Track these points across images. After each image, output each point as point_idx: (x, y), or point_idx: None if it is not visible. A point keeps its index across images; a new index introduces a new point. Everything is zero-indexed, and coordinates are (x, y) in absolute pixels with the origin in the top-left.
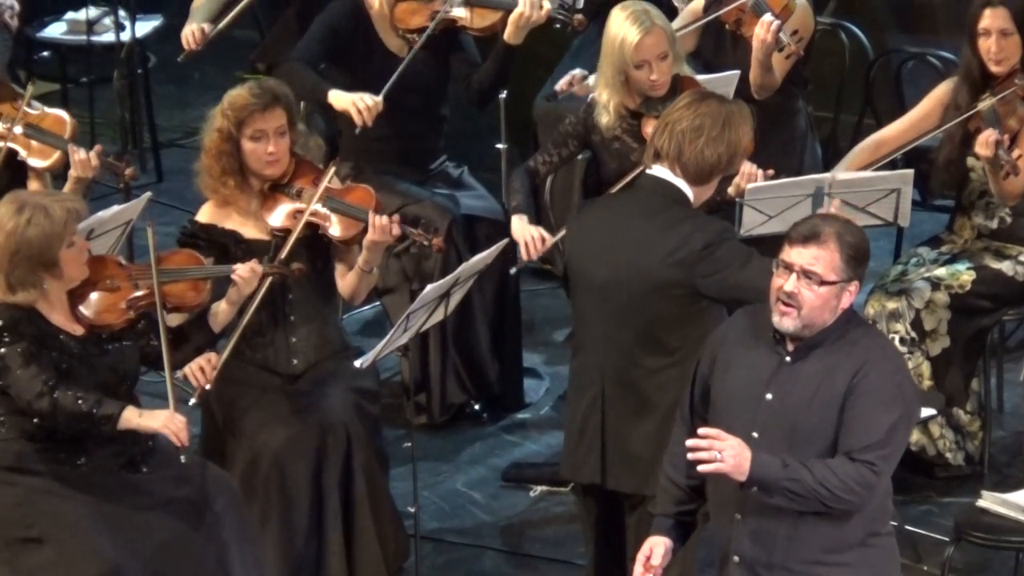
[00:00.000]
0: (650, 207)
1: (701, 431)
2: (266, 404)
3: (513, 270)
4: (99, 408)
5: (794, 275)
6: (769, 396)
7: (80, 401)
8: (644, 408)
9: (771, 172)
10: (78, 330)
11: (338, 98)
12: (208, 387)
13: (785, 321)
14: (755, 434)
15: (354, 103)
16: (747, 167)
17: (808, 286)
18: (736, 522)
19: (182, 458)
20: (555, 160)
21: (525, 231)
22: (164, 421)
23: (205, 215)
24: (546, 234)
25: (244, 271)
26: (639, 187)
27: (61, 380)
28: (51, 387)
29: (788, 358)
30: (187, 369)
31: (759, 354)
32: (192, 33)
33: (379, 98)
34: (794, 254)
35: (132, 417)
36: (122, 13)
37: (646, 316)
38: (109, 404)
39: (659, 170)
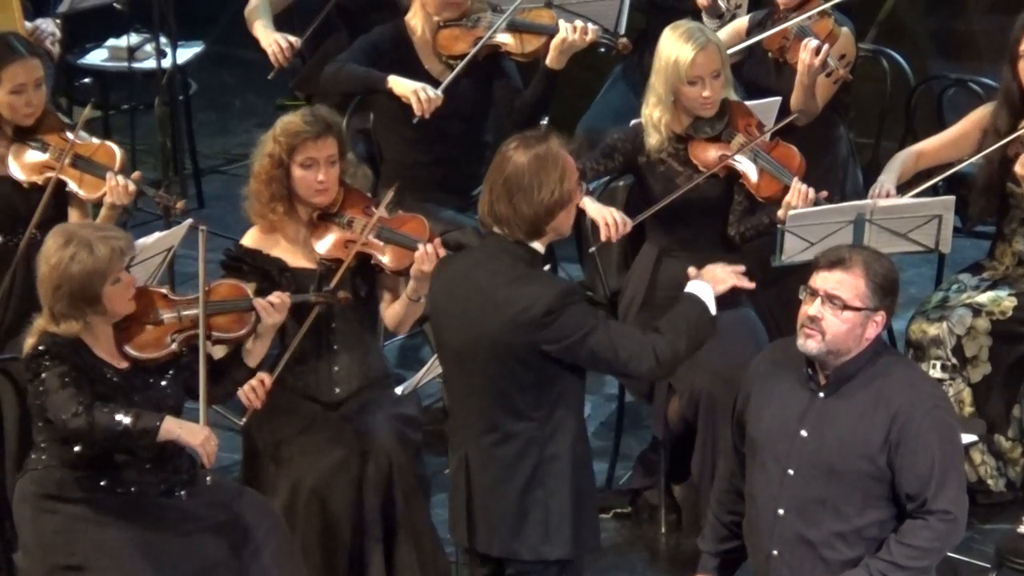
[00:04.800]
0: (497, 267)
1: None
2: (308, 431)
3: (592, 249)
4: (137, 422)
5: (818, 300)
6: (804, 433)
7: (117, 416)
8: (506, 473)
9: (824, 194)
10: (122, 363)
11: (399, 84)
12: (259, 407)
13: (809, 343)
14: (790, 471)
15: (416, 92)
16: (800, 186)
17: (832, 311)
18: (773, 558)
19: (208, 479)
20: (601, 168)
21: (604, 211)
22: (202, 440)
23: (251, 240)
24: (627, 218)
25: (267, 303)
26: (486, 245)
27: (98, 402)
28: (87, 406)
29: (821, 394)
30: (240, 389)
31: (791, 389)
32: (280, 48)
33: (440, 92)
34: (819, 279)
35: (172, 428)
36: (163, 40)
37: (500, 381)
38: (147, 417)
39: (497, 231)
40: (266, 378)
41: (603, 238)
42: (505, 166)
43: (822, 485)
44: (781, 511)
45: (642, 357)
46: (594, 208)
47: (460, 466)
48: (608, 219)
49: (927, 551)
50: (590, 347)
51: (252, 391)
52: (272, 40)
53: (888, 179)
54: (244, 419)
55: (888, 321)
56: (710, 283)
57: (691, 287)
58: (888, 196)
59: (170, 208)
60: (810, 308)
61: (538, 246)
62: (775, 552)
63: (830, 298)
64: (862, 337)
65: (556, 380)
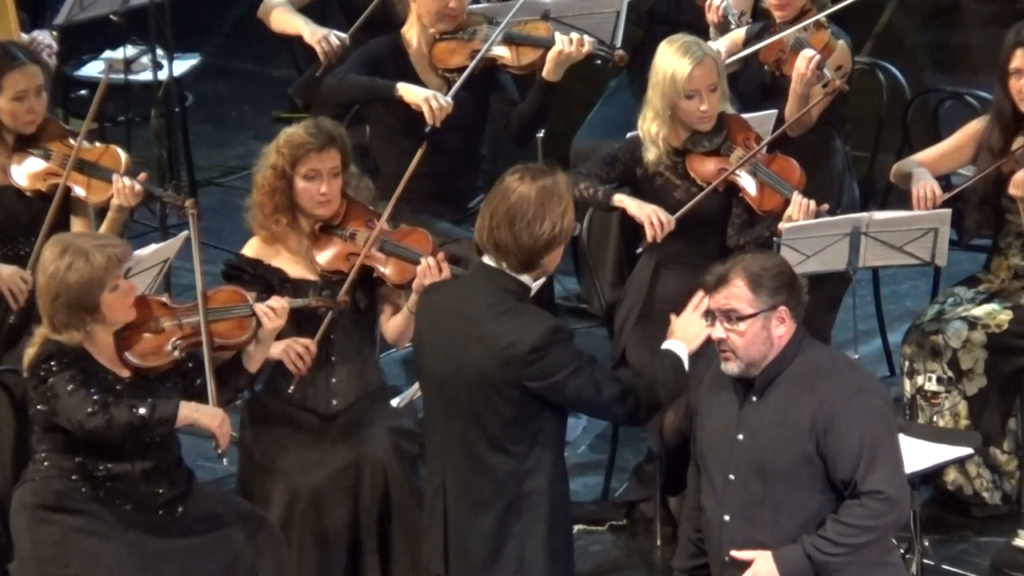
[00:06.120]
0: (486, 299)
1: None
2: (304, 443)
3: (640, 250)
4: (154, 412)
5: (717, 322)
6: (740, 437)
7: (134, 409)
8: (481, 505)
9: (826, 207)
10: (124, 372)
11: (409, 91)
12: (306, 374)
13: (729, 366)
14: (731, 476)
15: (427, 99)
16: (801, 199)
17: (731, 327)
18: (726, 564)
19: (224, 461)
20: (603, 175)
21: (647, 209)
22: (219, 422)
23: (252, 250)
24: (670, 216)
25: (267, 308)
26: (476, 276)
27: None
28: (102, 404)
29: (753, 397)
30: (285, 356)
31: (727, 398)
32: (332, 46)
33: (451, 99)
34: (711, 301)
35: (190, 413)
36: (160, 52)
37: (481, 413)
38: (164, 405)
39: (489, 259)
40: (311, 344)
41: (649, 238)
42: (510, 194)
43: (759, 485)
44: (727, 517)
45: (624, 401)
46: (636, 206)
47: (437, 494)
48: (654, 219)
49: (861, 529)
50: (573, 387)
51: (299, 358)
52: (321, 36)
53: (925, 174)
54: (292, 387)
55: (797, 312)
56: (684, 341)
57: (668, 344)
58: (936, 194)
59: (179, 207)
60: (713, 331)
61: (527, 280)
62: (727, 559)
63: (725, 315)
64: (772, 338)
65: (537, 417)
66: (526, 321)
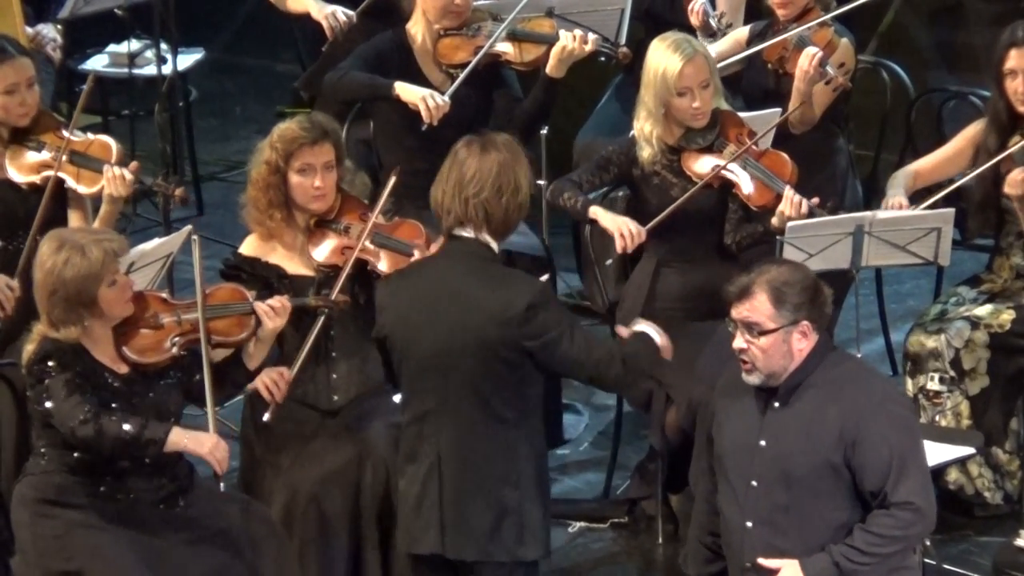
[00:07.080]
0: (467, 268)
1: None
2: (305, 439)
3: (609, 262)
4: (145, 431)
5: (739, 332)
6: (763, 443)
7: (125, 425)
8: (483, 475)
9: (816, 200)
10: (123, 368)
11: (406, 90)
12: (281, 401)
13: (750, 378)
14: (754, 483)
15: (424, 98)
16: (792, 195)
17: (752, 339)
18: (747, 571)
19: (221, 486)
20: (596, 181)
21: (618, 221)
22: (210, 448)
23: (249, 248)
24: (641, 228)
25: (267, 307)
26: (450, 251)
27: (104, 410)
28: (95, 414)
29: (776, 403)
30: (259, 384)
31: (749, 403)
32: (339, 22)
33: (447, 98)
34: (734, 312)
35: (179, 440)
36: (164, 46)
37: (479, 383)
38: (154, 427)
39: (465, 231)
40: (285, 371)
41: (619, 249)
42: (489, 166)
43: (783, 493)
44: (749, 524)
45: (611, 362)
46: (608, 218)
47: (430, 476)
48: (624, 230)
49: (890, 539)
50: (565, 346)
51: (274, 385)
52: (329, 12)
53: (898, 192)
54: (268, 415)
55: (820, 324)
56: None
57: (637, 327)
58: (902, 207)
59: (168, 196)
60: (735, 341)
61: (495, 246)
62: (748, 564)
63: (747, 327)
64: (792, 351)
65: (529, 381)
66: (516, 282)
